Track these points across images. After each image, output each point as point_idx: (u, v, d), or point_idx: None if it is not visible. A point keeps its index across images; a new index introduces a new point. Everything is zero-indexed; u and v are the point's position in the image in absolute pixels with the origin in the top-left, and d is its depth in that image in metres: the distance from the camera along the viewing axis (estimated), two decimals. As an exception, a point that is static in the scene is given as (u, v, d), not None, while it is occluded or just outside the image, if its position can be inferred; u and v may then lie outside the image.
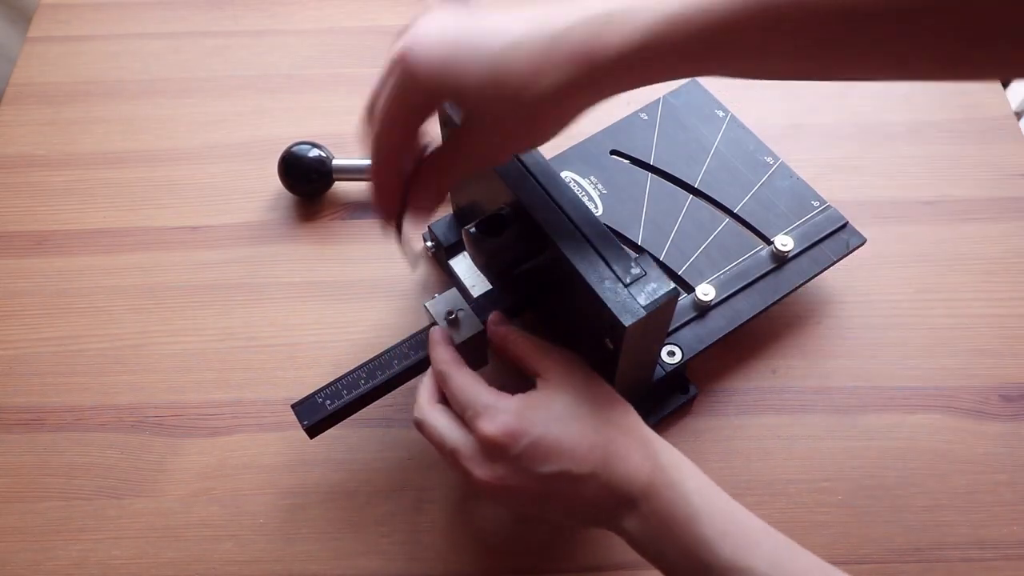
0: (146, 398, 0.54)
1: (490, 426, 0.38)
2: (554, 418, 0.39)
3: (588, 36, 0.32)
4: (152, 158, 0.66)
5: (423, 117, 0.36)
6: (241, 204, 0.63)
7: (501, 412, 0.38)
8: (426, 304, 0.46)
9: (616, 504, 0.38)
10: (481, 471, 0.39)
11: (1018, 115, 0.68)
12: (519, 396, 0.40)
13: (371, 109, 0.37)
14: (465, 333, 0.45)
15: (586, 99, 0.35)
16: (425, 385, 0.44)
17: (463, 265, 0.48)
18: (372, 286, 0.59)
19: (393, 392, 0.46)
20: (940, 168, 0.63)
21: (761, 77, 0.34)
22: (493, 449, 0.38)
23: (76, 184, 0.65)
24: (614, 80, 0.34)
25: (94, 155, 0.66)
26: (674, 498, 0.37)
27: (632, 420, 0.41)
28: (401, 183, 0.38)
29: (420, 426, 0.42)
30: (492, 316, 0.45)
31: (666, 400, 0.52)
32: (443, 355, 0.43)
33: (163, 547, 0.49)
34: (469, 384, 0.41)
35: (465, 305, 0.46)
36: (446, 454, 0.41)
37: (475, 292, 0.47)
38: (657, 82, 0.34)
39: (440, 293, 0.46)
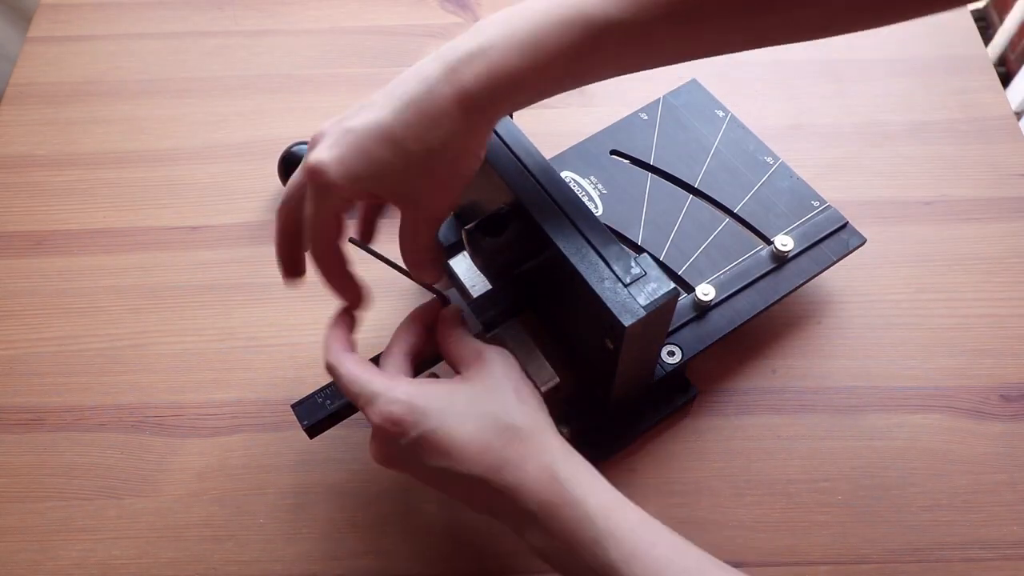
0: (146, 398, 0.54)
1: (376, 414, 0.37)
2: (450, 413, 0.37)
3: (453, 83, 0.35)
4: (152, 158, 0.66)
5: (343, 216, 0.39)
6: (241, 204, 0.63)
7: (390, 402, 0.37)
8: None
9: (514, 513, 0.37)
10: (373, 448, 0.39)
11: (1018, 115, 0.68)
12: (416, 382, 0.39)
13: (286, 229, 0.41)
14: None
15: (480, 129, 0.37)
16: (333, 329, 0.42)
17: (463, 265, 0.48)
18: (372, 286, 0.58)
19: (393, 392, 0.46)
20: (940, 168, 0.63)
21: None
22: (382, 434, 0.38)
23: (76, 184, 0.65)
24: (493, 110, 0.36)
25: (94, 155, 0.66)
26: (577, 517, 0.36)
27: (537, 425, 0.39)
28: (340, 261, 0.41)
29: (331, 371, 0.41)
30: (443, 311, 0.43)
31: (666, 400, 0.52)
32: (331, 341, 0.41)
33: (163, 547, 0.49)
34: (357, 374, 0.39)
35: (464, 305, 0.46)
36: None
37: (475, 292, 0.47)
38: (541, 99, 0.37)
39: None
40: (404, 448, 0.37)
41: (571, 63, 0.35)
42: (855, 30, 0.36)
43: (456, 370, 0.41)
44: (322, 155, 0.36)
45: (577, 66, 0.35)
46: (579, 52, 0.35)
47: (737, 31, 0.35)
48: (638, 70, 0.37)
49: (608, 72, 0.36)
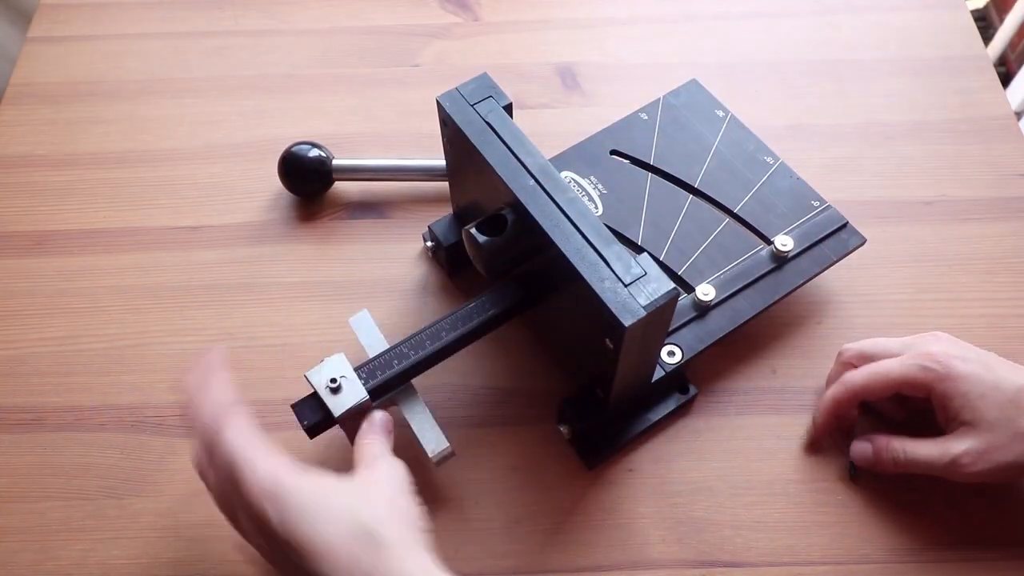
0: (146, 398, 0.54)
1: (244, 492, 0.38)
2: (315, 509, 0.37)
3: None
4: (152, 158, 0.66)
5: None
6: (241, 204, 0.63)
7: (258, 482, 0.38)
8: (307, 374, 0.44)
9: None
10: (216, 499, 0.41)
11: (1018, 115, 0.68)
12: (297, 468, 0.39)
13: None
14: (346, 403, 0.43)
15: None
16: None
17: (364, 322, 0.48)
18: (372, 286, 0.59)
19: (393, 392, 0.47)
20: (940, 168, 0.63)
21: None
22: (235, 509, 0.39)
23: (76, 184, 0.65)
24: None
25: (94, 155, 0.66)
26: None
27: (402, 538, 0.38)
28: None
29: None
30: (373, 413, 0.44)
31: (666, 400, 0.52)
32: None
33: (163, 547, 0.49)
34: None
35: (350, 371, 0.44)
36: None
37: (371, 352, 0.46)
38: None
39: (328, 358, 0.45)
40: (256, 526, 0.37)
41: None
42: None
43: (355, 467, 0.42)
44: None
45: None
46: None
47: None
48: None
49: None
